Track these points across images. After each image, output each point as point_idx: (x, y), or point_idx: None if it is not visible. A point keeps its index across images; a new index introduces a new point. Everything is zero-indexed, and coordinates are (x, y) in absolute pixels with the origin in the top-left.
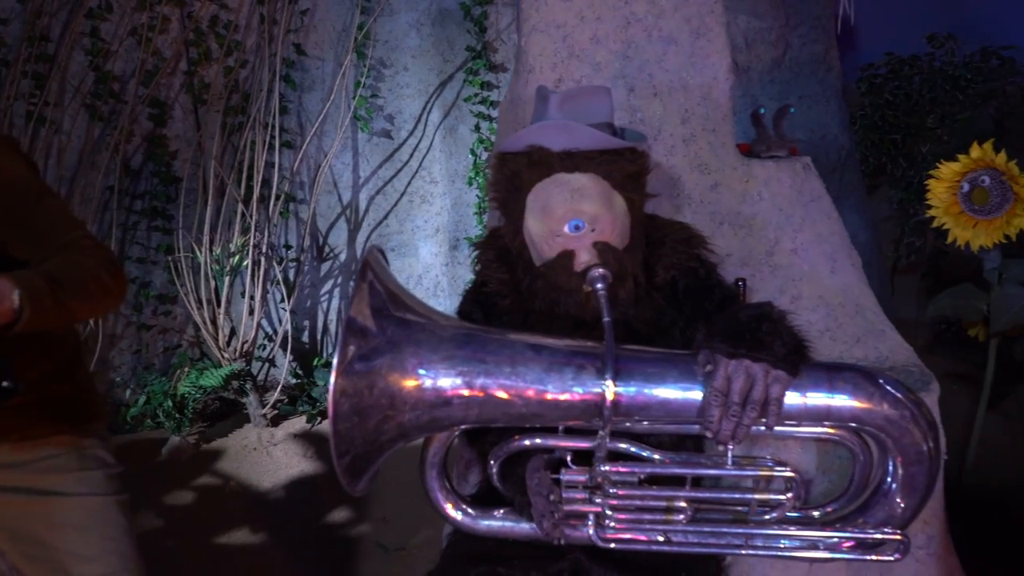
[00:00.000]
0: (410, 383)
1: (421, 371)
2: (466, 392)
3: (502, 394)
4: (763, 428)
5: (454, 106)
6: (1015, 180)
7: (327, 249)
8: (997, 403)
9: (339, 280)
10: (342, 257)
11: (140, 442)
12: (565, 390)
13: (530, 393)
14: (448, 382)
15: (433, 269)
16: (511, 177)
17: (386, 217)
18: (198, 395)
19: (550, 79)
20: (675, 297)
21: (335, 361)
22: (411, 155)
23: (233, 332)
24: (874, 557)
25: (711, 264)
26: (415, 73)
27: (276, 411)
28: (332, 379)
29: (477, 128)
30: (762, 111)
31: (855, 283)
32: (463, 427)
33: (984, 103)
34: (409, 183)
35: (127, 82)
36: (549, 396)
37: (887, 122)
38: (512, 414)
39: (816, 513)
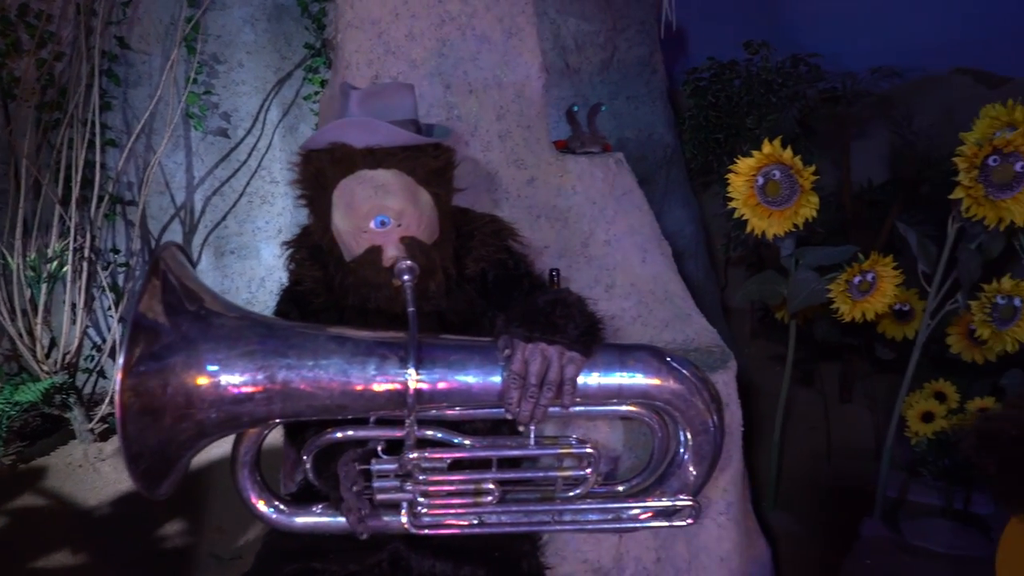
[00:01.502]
0: (207, 380)
1: (219, 367)
2: (267, 387)
3: (305, 387)
4: (561, 408)
5: (294, 104)
6: (800, 174)
7: None
8: (811, 381)
9: None
10: None
11: None
12: (369, 381)
13: (334, 385)
14: (248, 377)
15: (276, 271)
16: (316, 175)
17: (224, 219)
18: (13, 412)
19: (366, 75)
20: (485, 288)
21: (120, 360)
22: (249, 154)
23: (53, 343)
24: (670, 523)
25: (521, 255)
26: (251, 70)
27: (106, 425)
28: (118, 379)
29: (318, 127)
30: (575, 109)
31: (665, 271)
32: (274, 423)
33: (789, 105)
34: (248, 183)
35: None
36: (353, 387)
37: (710, 122)
38: (317, 407)
39: (621, 487)
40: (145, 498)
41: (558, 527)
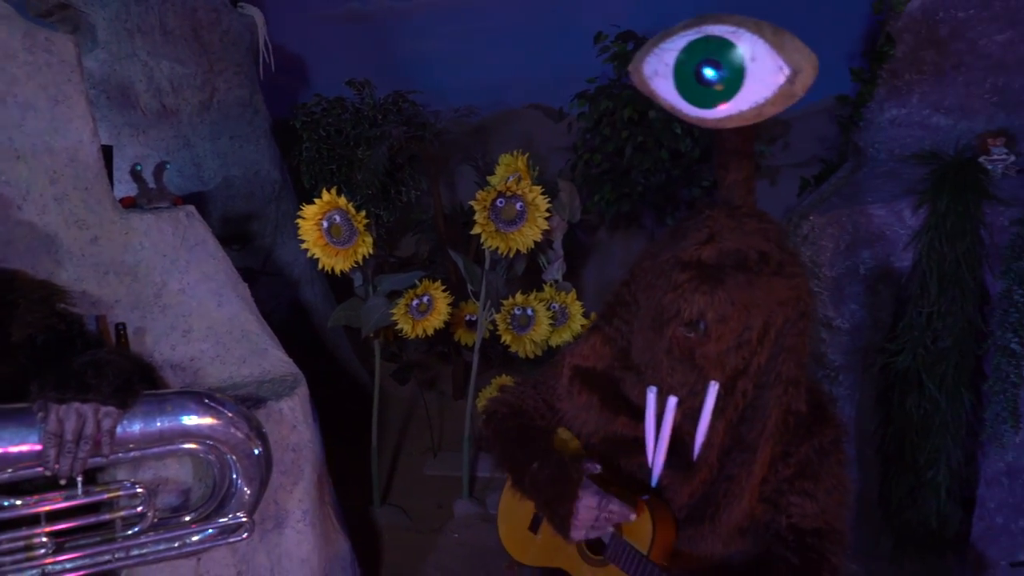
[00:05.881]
0: None
1: None
2: None
3: None
4: (103, 458)
5: None
6: (354, 218)
7: None
8: (434, 383)
9: None
10: None
11: None
12: None
13: None
14: None
15: None
16: None
17: None
18: None
19: None
20: (36, 353)
21: None
22: None
23: None
24: (228, 541)
25: (74, 316)
26: None
27: None
28: None
29: None
30: (138, 168)
31: (241, 312)
32: None
33: (381, 142)
34: None
35: None
36: None
37: (323, 155)
38: None
39: (188, 516)
40: None
41: (122, 563)
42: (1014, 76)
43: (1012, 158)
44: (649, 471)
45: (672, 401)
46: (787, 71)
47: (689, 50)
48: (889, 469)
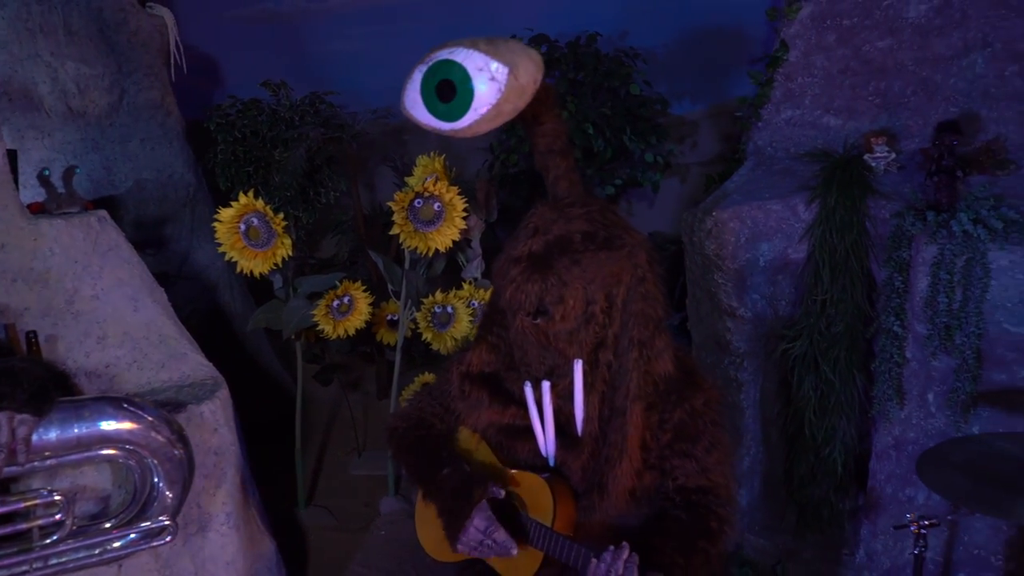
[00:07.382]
0: None
1: None
2: None
3: None
4: (18, 466)
5: None
6: (273, 220)
7: None
8: (358, 385)
9: None
10: None
11: None
12: None
13: None
14: None
15: None
16: None
17: None
18: None
19: None
20: None
21: None
22: None
23: None
24: (150, 545)
25: None
26: None
27: None
28: None
29: None
30: (47, 172)
31: (158, 317)
32: None
33: (299, 144)
34: None
35: None
36: None
37: (239, 157)
38: None
39: (109, 523)
40: None
41: (40, 573)
42: (893, 80)
43: (893, 155)
44: (545, 455)
45: (546, 386)
46: (504, 69)
47: (426, 78)
48: (792, 449)
